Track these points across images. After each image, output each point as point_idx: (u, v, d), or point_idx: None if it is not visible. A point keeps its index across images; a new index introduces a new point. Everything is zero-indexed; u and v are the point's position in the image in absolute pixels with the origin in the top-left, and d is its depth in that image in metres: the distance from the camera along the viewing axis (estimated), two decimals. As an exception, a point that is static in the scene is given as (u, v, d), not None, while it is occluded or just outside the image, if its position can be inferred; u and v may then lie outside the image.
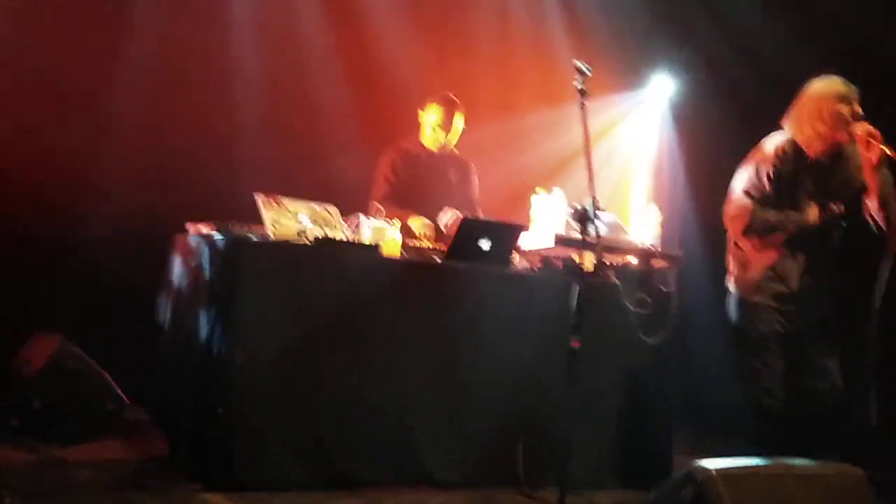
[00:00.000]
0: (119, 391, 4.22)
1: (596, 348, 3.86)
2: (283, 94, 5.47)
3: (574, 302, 3.61)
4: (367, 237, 4.06)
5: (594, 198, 3.75)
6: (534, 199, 4.70)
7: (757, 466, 3.52)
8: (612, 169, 6.10)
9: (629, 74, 6.12)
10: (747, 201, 4.15)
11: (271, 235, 3.81)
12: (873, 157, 3.92)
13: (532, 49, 6.03)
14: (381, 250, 3.98)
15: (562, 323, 3.67)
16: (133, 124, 4.96)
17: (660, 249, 4.61)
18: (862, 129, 3.96)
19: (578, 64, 3.76)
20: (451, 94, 4.94)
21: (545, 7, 6.08)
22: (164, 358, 4.13)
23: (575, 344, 3.56)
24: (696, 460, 3.48)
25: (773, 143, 4.20)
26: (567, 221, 4.47)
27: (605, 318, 4.18)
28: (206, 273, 3.82)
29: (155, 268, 4.31)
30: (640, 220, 4.97)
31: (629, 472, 4.31)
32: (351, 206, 4.51)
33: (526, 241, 4.44)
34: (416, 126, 4.98)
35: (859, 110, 4.02)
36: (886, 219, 3.99)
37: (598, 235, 3.79)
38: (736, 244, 4.32)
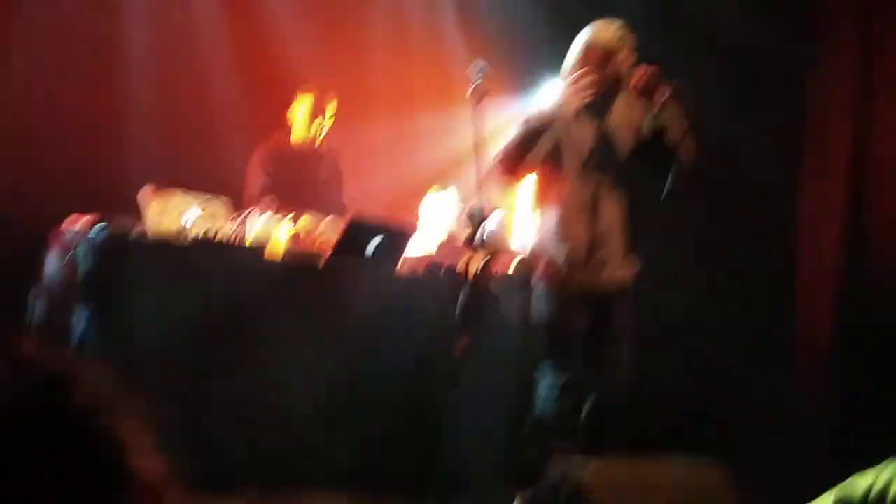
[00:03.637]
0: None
1: (479, 353, 3.87)
2: (177, 86, 5.36)
3: (459, 307, 3.63)
4: (253, 233, 4.00)
5: (485, 198, 3.76)
6: (425, 199, 4.71)
7: (627, 462, 3.59)
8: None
9: (523, 78, 6.15)
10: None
11: (151, 232, 3.73)
12: (658, 97, 3.81)
13: (428, 47, 6.01)
14: (263, 250, 3.93)
15: (446, 328, 3.69)
16: (15, 113, 4.79)
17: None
18: (638, 74, 3.85)
19: (474, 65, 3.78)
20: (321, 83, 4.94)
21: (442, 7, 6.07)
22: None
23: (458, 349, 3.59)
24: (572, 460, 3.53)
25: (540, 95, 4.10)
26: (457, 223, 4.49)
27: (489, 323, 4.19)
28: (81, 268, 3.72)
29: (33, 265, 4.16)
30: (526, 224, 5.02)
31: (509, 477, 4.34)
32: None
33: (414, 244, 4.45)
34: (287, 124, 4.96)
35: (631, 57, 3.91)
36: (686, 147, 3.85)
37: (484, 240, 3.81)
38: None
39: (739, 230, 5.48)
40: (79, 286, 3.74)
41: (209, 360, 3.73)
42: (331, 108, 4.91)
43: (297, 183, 4.90)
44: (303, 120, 4.89)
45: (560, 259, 3.96)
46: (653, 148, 3.93)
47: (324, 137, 4.94)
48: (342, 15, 5.88)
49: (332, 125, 4.94)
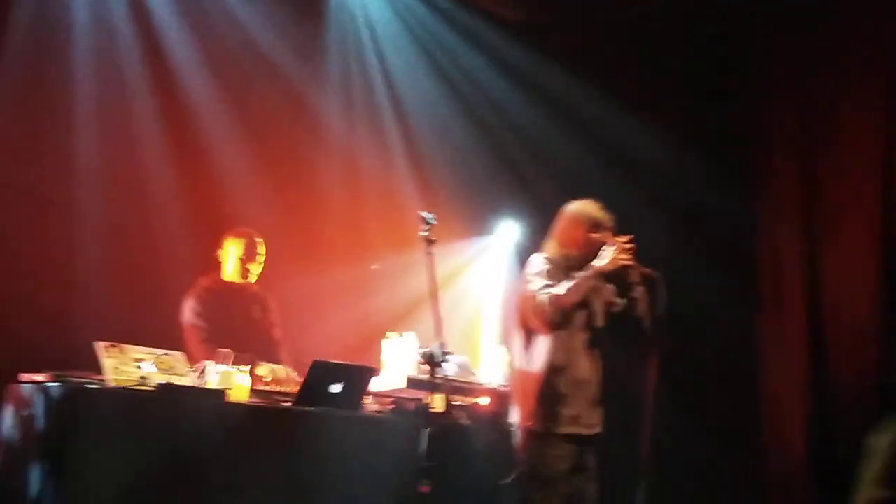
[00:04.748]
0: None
1: (447, 491, 3.82)
2: (127, 239, 5.37)
3: (423, 445, 3.63)
4: (213, 383, 3.97)
5: (442, 341, 3.84)
6: (385, 342, 4.74)
7: None
8: (462, 311, 6.19)
9: (476, 221, 6.33)
10: (535, 284, 4.12)
11: (111, 383, 3.67)
12: (632, 277, 4.13)
13: (381, 197, 6.16)
14: (227, 395, 3.89)
15: (413, 466, 3.66)
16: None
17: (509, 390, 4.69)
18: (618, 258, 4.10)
19: (423, 214, 3.93)
20: (249, 229, 5.04)
21: (393, 158, 6.26)
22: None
23: (424, 489, 3.56)
24: None
25: (538, 256, 4.28)
26: (418, 364, 4.52)
27: (457, 460, 4.17)
28: (40, 423, 3.61)
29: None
30: (489, 361, 5.07)
31: None
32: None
33: (377, 384, 4.44)
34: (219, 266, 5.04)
35: (610, 237, 4.18)
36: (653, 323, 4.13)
37: (447, 377, 3.86)
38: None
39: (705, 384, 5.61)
40: (36, 443, 3.63)
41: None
42: (262, 248, 5.01)
43: (229, 319, 4.92)
44: (234, 263, 4.98)
45: (550, 406, 4.06)
46: (622, 319, 4.20)
47: (256, 279, 5.02)
48: (297, 166, 6.01)
49: (275, 268, 5.05)
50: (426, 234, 3.95)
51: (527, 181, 6.20)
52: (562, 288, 4.06)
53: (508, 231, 6.38)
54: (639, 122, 5.83)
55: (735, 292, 5.62)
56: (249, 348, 4.73)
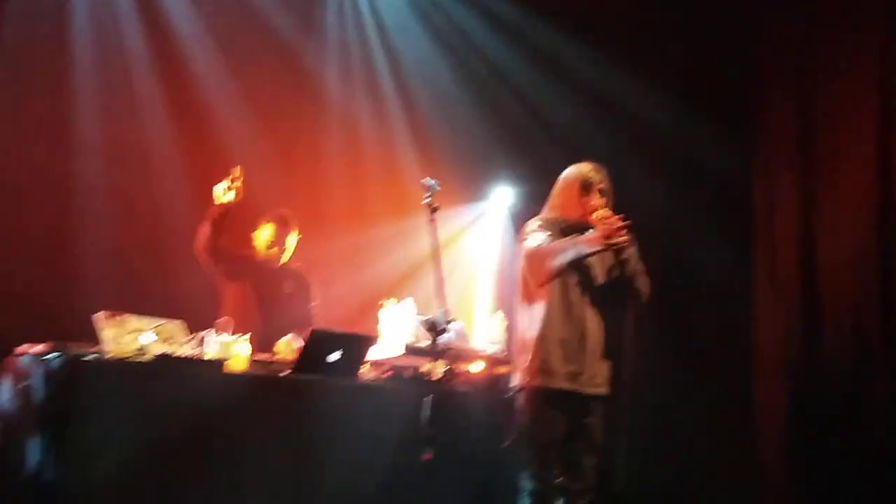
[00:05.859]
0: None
1: (446, 457, 3.83)
2: (131, 209, 5.39)
3: (425, 413, 3.63)
4: (212, 352, 3.97)
5: (445, 308, 3.80)
6: (383, 309, 4.73)
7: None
8: (457, 277, 6.18)
9: (472, 187, 6.31)
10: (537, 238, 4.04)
11: (109, 353, 3.68)
12: (623, 251, 3.99)
13: (380, 162, 6.17)
14: (224, 366, 3.89)
15: (413, 433, 3.67)
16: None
17: (506, 355, 4.69)
18: (600, 216, 3.98)
19: (427, 181, 3.86)
20: (285, 211, 4.98)
21: (392, 124, 6.25)
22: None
23: (427, 457, 3.56)
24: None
25: (533, 220, 4.19)
26: (416, 331, 4.52)
27: (455, 427, 4.15)
28: (39, 395, 3.62)
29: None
30: (485, 328, 5.06)
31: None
32: (202, 322, 4.45)
33: (376, 352, 4.44)
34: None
35: (600, 199, 4.06)
36: (636, 292, 4.09)
37: (446, 344, 3.84)
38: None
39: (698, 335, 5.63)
40: (34, 414, 3.64)
41: (176, 479, 3.62)
42: (293, 236, 4.96)
43: (255, 288, 4.89)
44: (265, 245, 4.94)
45: (547, 361, 3.96)
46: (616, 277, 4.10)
47: (287, 260, 4.99)
48: (298, 133, 6.01)
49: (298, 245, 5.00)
50: (429, 200, 3.90)
51: (524, 145, 6.18)
52: (550, 249, 3.94)
53: (503, 196, 6.35)
54: (635, 79, 5.80)
55: (731, 245, 5.61)
56: (275, 321, 4.72)
